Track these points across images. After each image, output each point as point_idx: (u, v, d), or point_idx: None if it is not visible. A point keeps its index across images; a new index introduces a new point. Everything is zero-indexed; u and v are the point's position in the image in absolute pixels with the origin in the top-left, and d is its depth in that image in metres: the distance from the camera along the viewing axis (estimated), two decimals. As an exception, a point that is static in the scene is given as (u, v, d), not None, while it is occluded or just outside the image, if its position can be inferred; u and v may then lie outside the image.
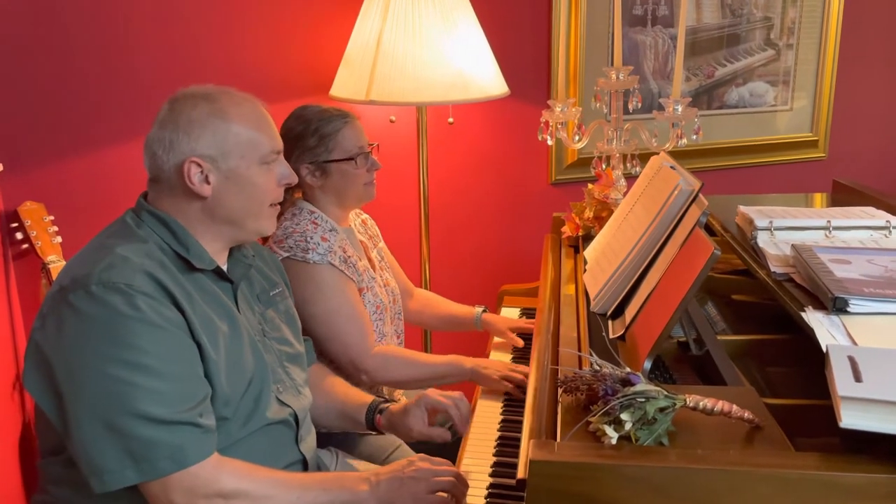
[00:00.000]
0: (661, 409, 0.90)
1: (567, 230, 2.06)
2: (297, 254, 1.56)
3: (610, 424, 0.89)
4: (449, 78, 1.99)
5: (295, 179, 1.31)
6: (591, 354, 0.98)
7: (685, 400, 0.91)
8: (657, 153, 1.75)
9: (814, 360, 1.11)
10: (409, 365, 1.64)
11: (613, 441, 0.88)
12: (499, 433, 1.50)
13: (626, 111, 2.03)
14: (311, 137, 1.60)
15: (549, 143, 2.10)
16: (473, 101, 2.04)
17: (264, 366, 1.26)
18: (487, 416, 1.58)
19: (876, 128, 3.04)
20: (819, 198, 2.17)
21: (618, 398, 0.89)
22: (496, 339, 1.96)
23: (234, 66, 2.17)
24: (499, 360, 1.80)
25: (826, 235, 1.56)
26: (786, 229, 1.57)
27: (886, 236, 1.54)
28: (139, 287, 1.09)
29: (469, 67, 2.02)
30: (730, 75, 2.81)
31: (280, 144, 1.27)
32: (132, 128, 2.09)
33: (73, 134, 2.05)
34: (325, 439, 1.53)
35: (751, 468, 0.81)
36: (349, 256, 1.63)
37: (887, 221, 1.55)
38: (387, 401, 1.49)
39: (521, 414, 1.47)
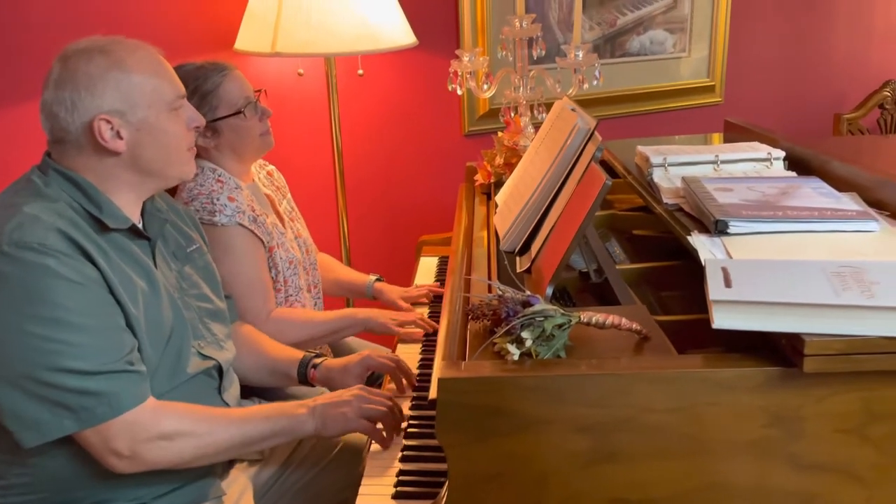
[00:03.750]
0: (559, 326, 0.97)
1: (479, 178, 2.12)
2: (205, 216, 1.54)
3: (512, 343, 0.95)
4: (355, 28, 1.99)
5: (203, 121, 1.30)
6: (492, 282, 1.04)
7: (580, 316, 0.99)
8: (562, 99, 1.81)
9: (702, 281, 1.22)
10: (304, 326, 1.65)
11: (515, 357, 0.95)
12: (417, 370, 1.56)
13: (531, 59, 2.08)
14: (191, 98, 1.54)
15: (459, 92, 2.14)
16: (381, 51, 2.06)
17: (183, 322, 1.27)
18: (406, 359, 1.63)
19: (767, 72, 3.21)
20: (716, 138, 2.29)
21: (518, 318, 0.96)
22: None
23: (129, 21, 2.10)
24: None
25: (714, 169, 1.68)
26: (678, 165, 1.67)
27: (768, 167, 1.66)
28: (52, 245, 1.08)
29: (375, 17, 2.03)
30: (631, 24, 2.91)
31: (182, 88, 1.26)
32: (18, 88, 2.00)
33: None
34: (249, 390, 1.55)
35: (636, 371, 0.89)
36: (258, 215, 1.62)
37: (769, 153, 1.68)
38: (318, 355, 1.52)
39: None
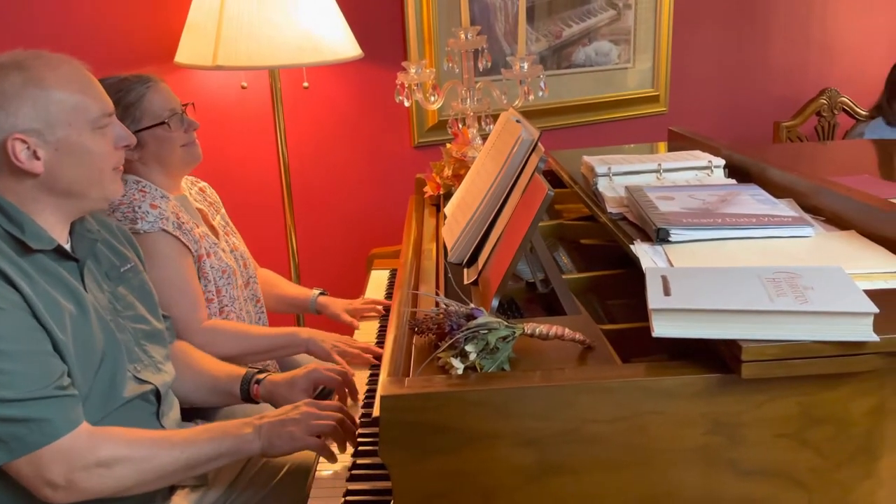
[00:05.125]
0: (503, 338, 0.96)
1: (428, 189, 2.12)
2: (126, 225, 1.49)
3: (456, 357, 0.94)
4: (299, 40, 1.97)
5: (133, 140, 1.26)
6: (436, 296, 1.02)
7: (523, 328, 0.98)
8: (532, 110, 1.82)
9: (645, 289, 1.23)
10: (239, 338, 1.60)
11: (460, 371, 0.94)
12: (367, 386, 1.54)
13: (477, 71, 2.09)
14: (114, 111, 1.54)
15: (407, 104, 2.13)
16: (326, 63, 2.04)
17: (117, 345, 1.22)
18: (357, 375, 1.60)
19: (709, 82, 3.28)
20: (661, 147, 2.33)
21: (462, 332, 0.95)
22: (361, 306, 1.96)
23: (68, 34, 2.04)
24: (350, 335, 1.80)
25: (658, 177, 1.70)
26: (622, 174, 1.69)
27: (709, 175, 1.70)
28: None
29: (319, 29, 2.01)
30: (576, 35, 2.95)
31: (110, 106, 1.22)
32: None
33: None
34: (192, 413, 1.51)
35: (579, 381, 0.89)
36: (183, 223, 1.58)
37: (709, 162, 1.71)
38: (262, 370, 1.48)
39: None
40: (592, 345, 1.00)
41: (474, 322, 0.96)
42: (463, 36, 2.07)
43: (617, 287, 1.44)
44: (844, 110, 3.10)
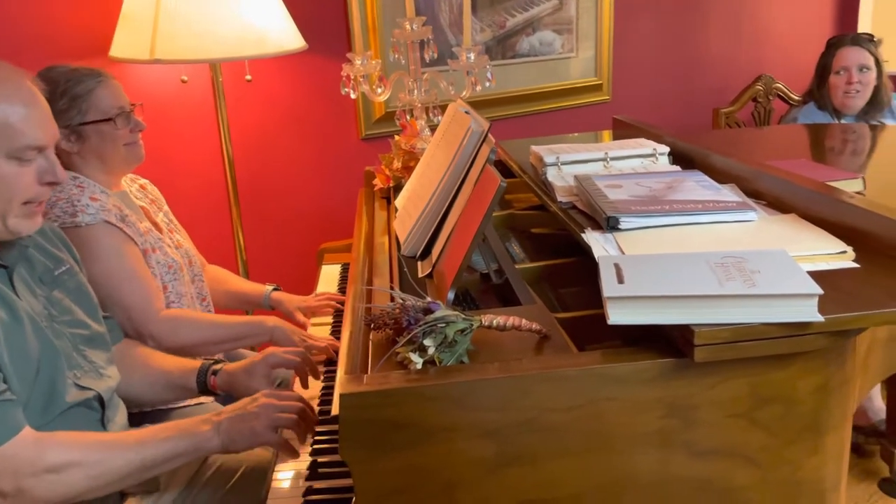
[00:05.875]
0: (461, 331, 0.96)
1: (378, 182, 2.10)
2: (66, 220, 1.44)
3: (415, 352, 0.94)
4: (239, 32, 1.93)
5: (62, 177, 1.17)
6: (392, 290, 1.02)
7: (480, 320, 0.98)
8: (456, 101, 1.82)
9: (598, 277, 1.25)
10: (202, 327, 1.55)
11: (419, 366, 0.93)
12: (322, 383, 1.52)
13: (423, 62, 2.08)
14: (60, 100, 1.47)
15: (353, 96, 2.11)
16: (269, 55, 2.00)
17: (53, 352, 1.17)
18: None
19: (650, 70, 3.34)
20: (606, 135, 2.36)
21: (420, 326, 0.94)
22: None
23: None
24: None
25: (605, 166, 1.72)
26: (571, 163, 1.71)
27: (654, 162, 1.73)
28: None
29: (260, 20, 1.97)
30: (520, 25, 2.96)
31: (46, 140, 1.14)
32: None
33: None
34: (139, 418, 1.47)
35: (536, 371, 0.89)
36: (126, 216, 1.53)
37: (654, 149, 1.74)
38: (217, 361, 1.45)
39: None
40: (548, 334, 1.01)
41: (432, 316, 0.95)
42: (408, 27, 2.05)
43: (568, 275, 1.46)
44: (779, 96, 3.19)
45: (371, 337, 1.07)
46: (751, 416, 0.92)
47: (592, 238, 1.23)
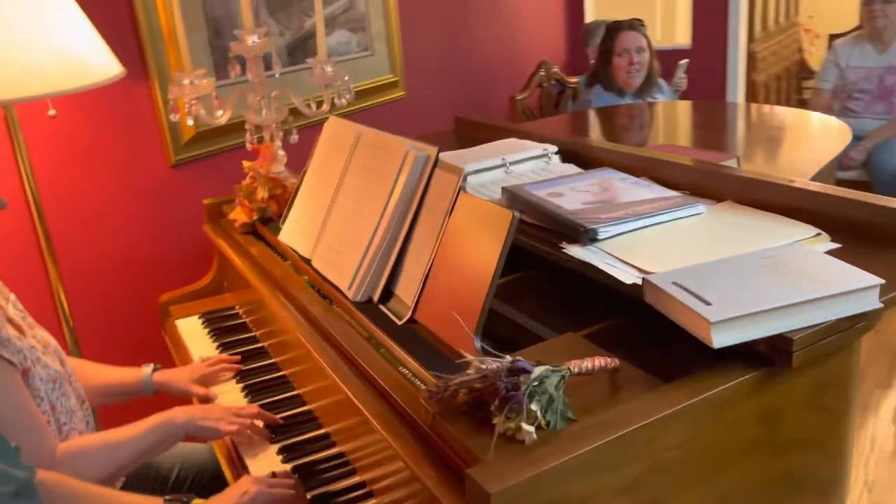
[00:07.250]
0: (555, 386, 0.89)
1: (240, 216, 1.86)
2: None
3: (527, 421, 0.84)
4: (54, 63, 1.54)
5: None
6: (471, 358, 0.90)
7: (569, 368, 0.92)
8: (319, 119, 1.68)
9: (556, 287, 1.29)
10: (106, 455, 1.27)
11: (534, 436, 0.84)
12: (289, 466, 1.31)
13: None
14: None
15: (190, 123, 1.82)
16: (92, 86, 1.63)
17: None
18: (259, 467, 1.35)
19: (442, 63, 3.39)
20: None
21: (525, 390, 0.85)
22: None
23: None
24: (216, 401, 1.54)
25: (506, 172, 1.71)
26: (473, 173, 1.67)
27: (547, 163, 1.75)
28: None
29: (79, 47, 1.60)
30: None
31: None
32: None
33: None
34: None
35: (666, 412, 0.86)
36: None
37: (544, 149, 1.76)
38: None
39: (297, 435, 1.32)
40: (618, 367, 0.98)
41: (535, 375, 0.86)
42: (249, 39, 1.82)
43: (520, 290, 1.43)
44: (558, 80, 3.45)
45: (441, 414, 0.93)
46: (818, 404, 0.99)
47: (580, 252, 1.21)
